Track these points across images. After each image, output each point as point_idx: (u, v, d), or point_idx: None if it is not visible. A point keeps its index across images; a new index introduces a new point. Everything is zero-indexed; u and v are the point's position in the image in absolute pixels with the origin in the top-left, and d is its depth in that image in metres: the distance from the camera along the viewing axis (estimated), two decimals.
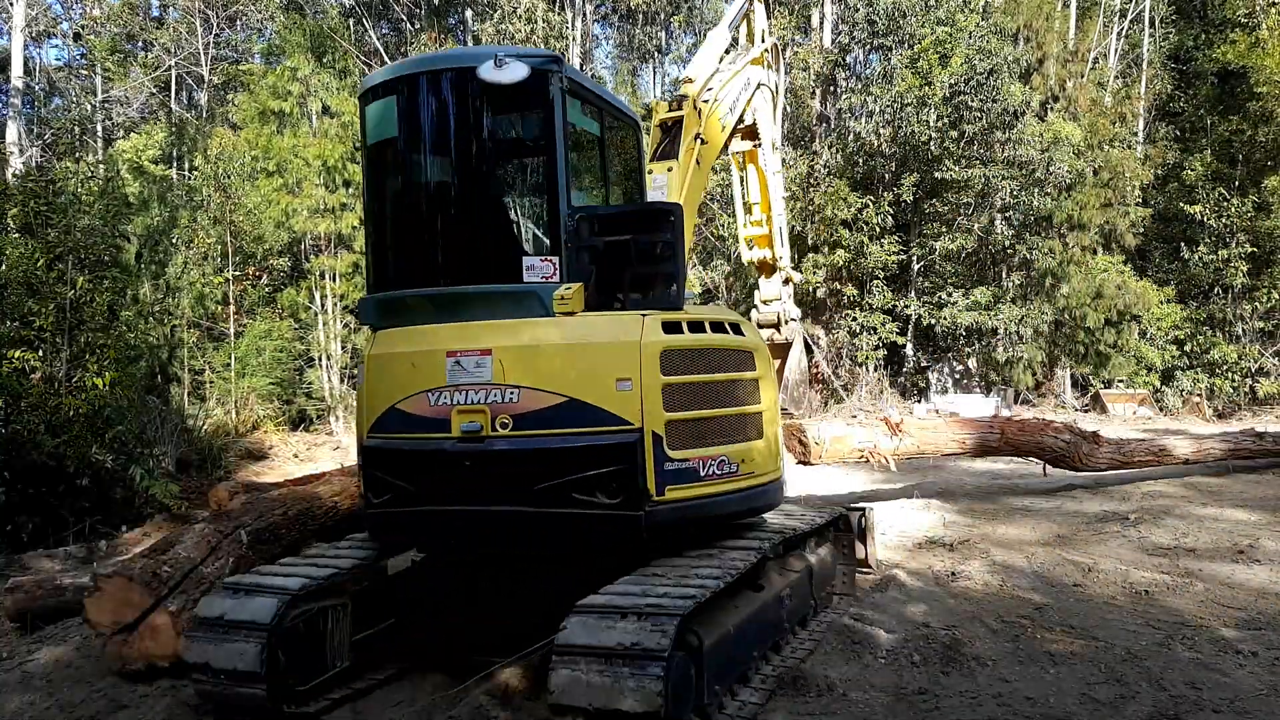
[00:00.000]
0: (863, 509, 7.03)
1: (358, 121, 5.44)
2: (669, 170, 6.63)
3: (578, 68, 25.87)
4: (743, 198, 9.84)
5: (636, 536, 4.64)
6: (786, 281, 9.96)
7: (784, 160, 23.28)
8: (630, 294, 4.95)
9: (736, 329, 5.31)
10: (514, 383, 4.63)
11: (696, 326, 4.95)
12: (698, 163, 7.03)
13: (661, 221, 4.86)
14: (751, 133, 9.25)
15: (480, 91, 4.83)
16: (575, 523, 4.62)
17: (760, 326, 9.61)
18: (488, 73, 4.73)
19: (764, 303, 9.96)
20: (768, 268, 9.94)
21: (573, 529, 4.64)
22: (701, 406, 4.87)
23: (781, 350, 9.84)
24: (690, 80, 7.50)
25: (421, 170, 5.17)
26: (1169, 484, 11.21)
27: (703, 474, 4.82)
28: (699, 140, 7.07)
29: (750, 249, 9.90)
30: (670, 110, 7.15)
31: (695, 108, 7.18)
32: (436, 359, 4.74)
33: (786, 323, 9.73)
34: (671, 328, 4.78)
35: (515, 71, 4.70)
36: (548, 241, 4.92)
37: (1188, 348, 23.38)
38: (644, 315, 4.73)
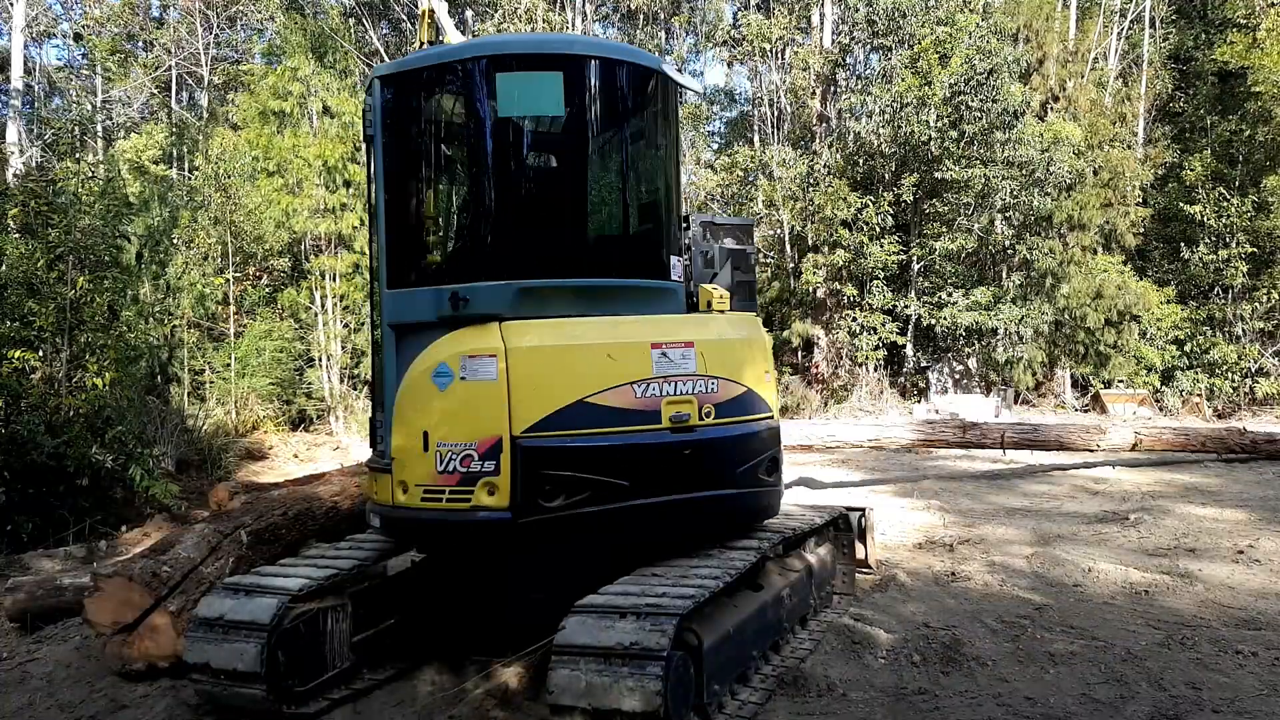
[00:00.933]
0: (862, 509, 7.03)
1: (484, 87, 4.86)
2: None
3: None
4: None
5: (776, 510, 5.45)
6: None
7: (785, 160, 23.38)
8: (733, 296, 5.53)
9: None
10: (713, 374, 4.93)
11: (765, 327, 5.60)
12: None
13: (752, 233, 5.58)
14: None
15: (647, 89, 5.14)
16: (756, 500, 5.19)
17: None
18: (673, 72, 5.05)
19: None
20: None
21: (752, 507, 5.22)
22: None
23: None
24: None
25: (583, 156, 5.11)
26: (1169, 485, 11.22)
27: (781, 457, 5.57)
28: None
29: None
30: None
31: None
32: (640, 351, 4.75)
33: None
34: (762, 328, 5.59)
35: (692, 83, 5.22)
36: (678, 243, 5.35)
37: (1188, 348, 23.37)
38: (755, 316, 5.53)
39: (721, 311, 5.26)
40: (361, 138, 5.36)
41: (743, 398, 5.03)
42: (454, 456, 4.59)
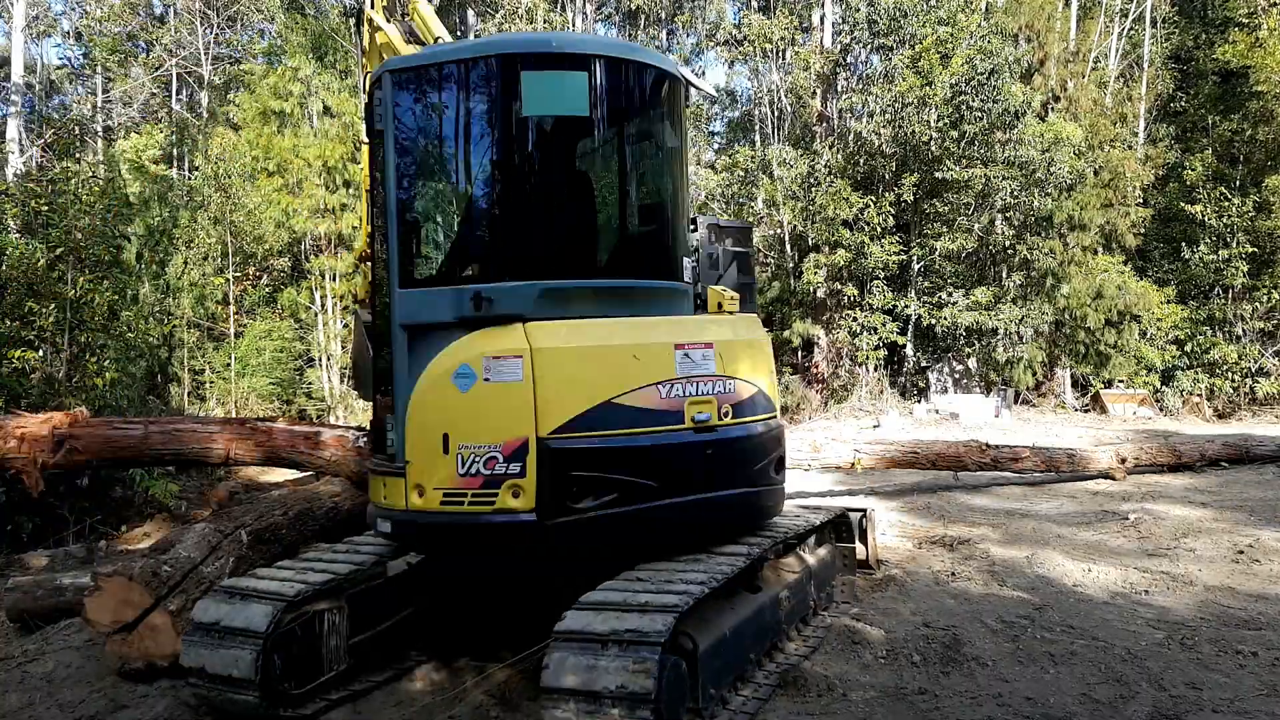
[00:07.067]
0: (863, 510, 7.03)
1: (512, 85, 4.76)
2: None
3: None
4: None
5: (780, 509, 5.45)
6: None
7: (785, 160, 23.37)
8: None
9: None
10: (730, 374, 4.99)
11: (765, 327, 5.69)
12: None
13: (750, 235, 5.59)
14: None
15: (662, 90, 5.16)
16: (768, 499, 5.30)
17: None
18: (688, 74, 5.08)
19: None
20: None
21: (765, 505, 5.31)
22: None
23: None
24: None
25: (603, 157, 5.15)
26: (1168, 485, 11.21)
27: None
28: None
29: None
30: None
31: None
32: (664, 351, 4.76)
33: None
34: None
35: (707, 85, 5.27)
36: (687, 244, 5.36)
37: (1188, 348, 23.36)
38: (754, 318, 5.47)
39: (730, 313, 5.32)
40: (365, 135, 5.25)
41: (755, 398, 5.12)
42: (477, 459, 4.52)
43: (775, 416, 5.35)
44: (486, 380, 4.50)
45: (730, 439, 4.92)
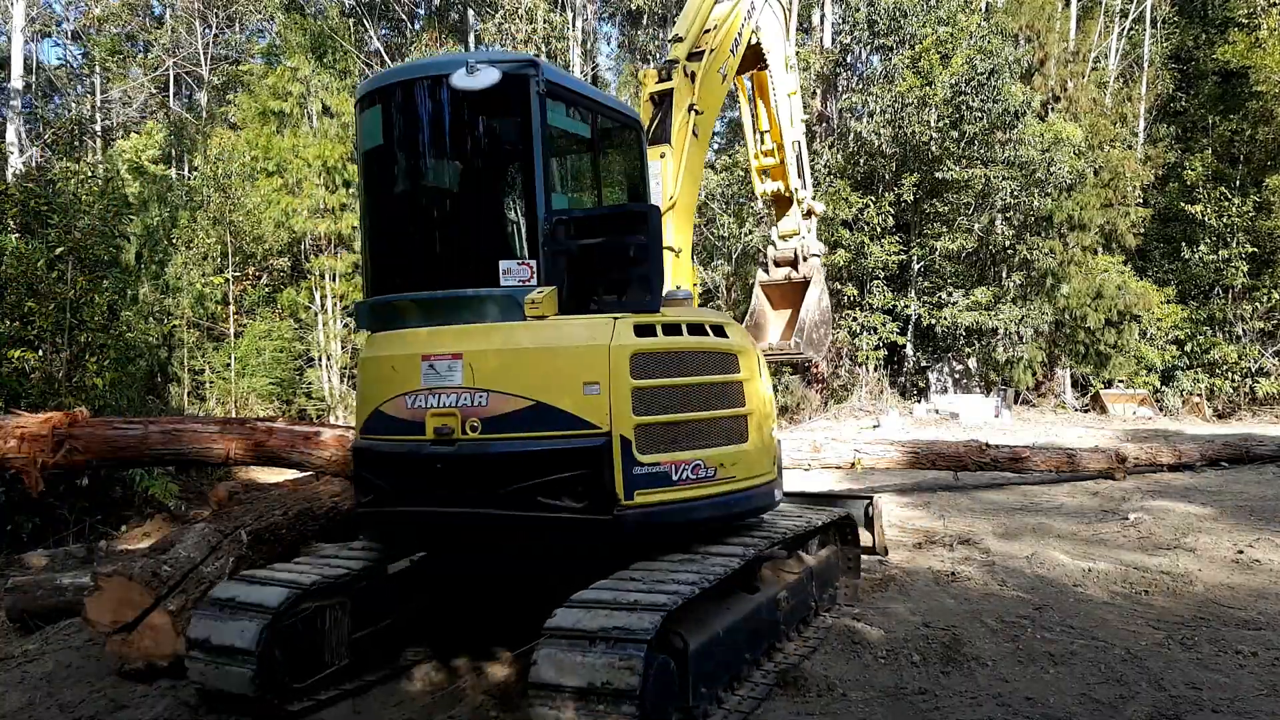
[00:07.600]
0: (870, 498, 7.05)
1: (355, 126, 5.51)
2: (661, 157, 6.15)
3: (576, 69, 25.69)
4: (752, 125, 8.84)
5: (604, 541, 4.61)
6: (808, 214, 8.87)
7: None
8: (605, 297, 4.82)
9: (720, 331, 5.20)
10: (483, 386, 4.64)
11: (672, 329, 4.84)
12: (695, 134, 6.38)
13: (637, 223, 4.73)
14: (757, 54, 8.10)
15: (457, 98, 4.85)
16: (540, 526, 4.57)
17: (776, 265, 8.75)
18: (460, 80, 4.77)
19: (781, 238, 8.82)
20: (783, 200, 8.88)
21: (538, 533, 4.59)
22: (675, 410, 4.78)
23: (799, 289, 8.61)
24: (679, 39, 6.57)
25: (405, 177, 5.27)
26: (1168, 484, 11.21)
27: (675, 478, 4.72)
28: (693, 111, 6.36)
29: (763, 181, 8.86)
30: (660, 80, 6.38)
31: (687, 74, 6.40)
32: (413, 363, 4.80)
33: (805, 259, 8.61)
34: (644, 331, 4.71)
35: (486, 77, 4.73)
36: (526, 245, 4.84)
37: (1188, 348, 23.39)
38: (615, 319, 4.66)
39: (540, 317, 4.66)
40: None
41: (526, 412, 4.57)
42: None
43: (580, 435, 4.54)
44: (358, 385, 5.32)
45: (467, 455, 4.62)
